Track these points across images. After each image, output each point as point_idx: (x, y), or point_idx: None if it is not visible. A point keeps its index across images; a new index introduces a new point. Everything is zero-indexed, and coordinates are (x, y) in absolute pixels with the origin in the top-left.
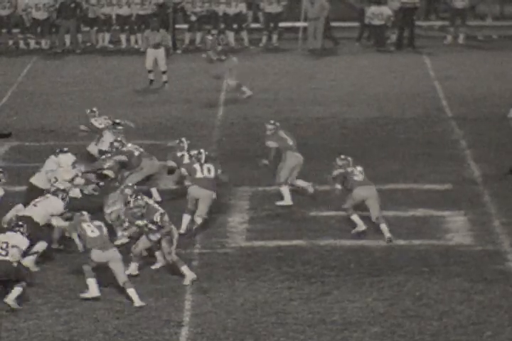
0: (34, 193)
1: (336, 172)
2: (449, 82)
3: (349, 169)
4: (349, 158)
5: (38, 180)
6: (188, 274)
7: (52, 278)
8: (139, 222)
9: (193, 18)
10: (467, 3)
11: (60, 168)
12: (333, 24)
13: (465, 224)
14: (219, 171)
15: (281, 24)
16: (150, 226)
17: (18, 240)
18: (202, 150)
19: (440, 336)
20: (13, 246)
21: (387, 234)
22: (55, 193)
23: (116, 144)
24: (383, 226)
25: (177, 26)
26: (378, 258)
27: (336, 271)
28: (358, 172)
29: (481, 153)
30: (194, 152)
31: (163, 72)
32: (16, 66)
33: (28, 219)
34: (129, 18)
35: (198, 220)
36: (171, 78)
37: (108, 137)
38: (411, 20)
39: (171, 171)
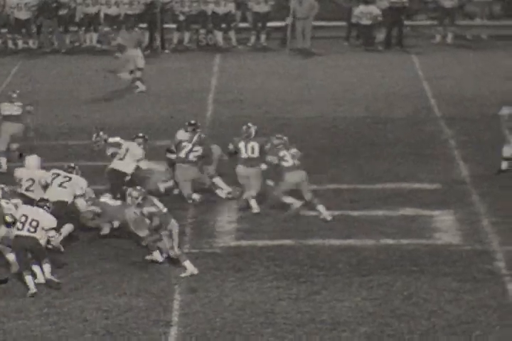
0: (118, 179)
1: (269, 158)
2: (438, 81)
3: (281, 153)
4: (285, 138)
5: (120, 165)
6: (190, 269)
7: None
8: (136, 212)
9: (182, 17)
10: (456, 2)
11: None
12: (322, 23)
13: (454, 223)
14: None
15: (270, 24)
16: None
17: (49, 220)
18: (250, 124)
19: (429, 335)
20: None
21: (327, 216)
22: (68, 171)
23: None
24: (321, 207)
25: (165, 26)
26: (367, 258)
27: (324, 270)
28: (288, 158)
29: (470, 153)
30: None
31: (139, 69)
32: (4, 66)
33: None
34: (117, 17)
35: (251, 199)
36: (160, 78)
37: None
38: (399, 20)
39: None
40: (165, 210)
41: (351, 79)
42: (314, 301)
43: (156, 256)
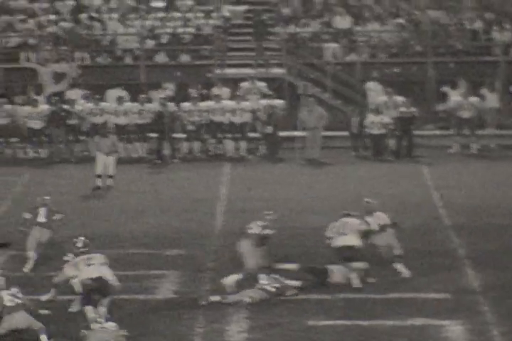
0: (351, 252)
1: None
2: (447, 191)
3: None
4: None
5: (350, 240)
6: None
7: None
8: None
9: (191, 127)
10: (473, 112)
11: None
12: (331, 133)
13: (463, 333)
14: None
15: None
16: None
17: None
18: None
19: None
20: None
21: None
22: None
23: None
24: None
25: (175, 135)
26: None
27: None
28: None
29: (479, 262)
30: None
31: (110, 177)
32: (12, 175)
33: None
34: (126, 127)
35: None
36: (169, 187)
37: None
38: (409, 129)
39: None
40: (9, 304)
41: (360, 189)
42: None
43: None
